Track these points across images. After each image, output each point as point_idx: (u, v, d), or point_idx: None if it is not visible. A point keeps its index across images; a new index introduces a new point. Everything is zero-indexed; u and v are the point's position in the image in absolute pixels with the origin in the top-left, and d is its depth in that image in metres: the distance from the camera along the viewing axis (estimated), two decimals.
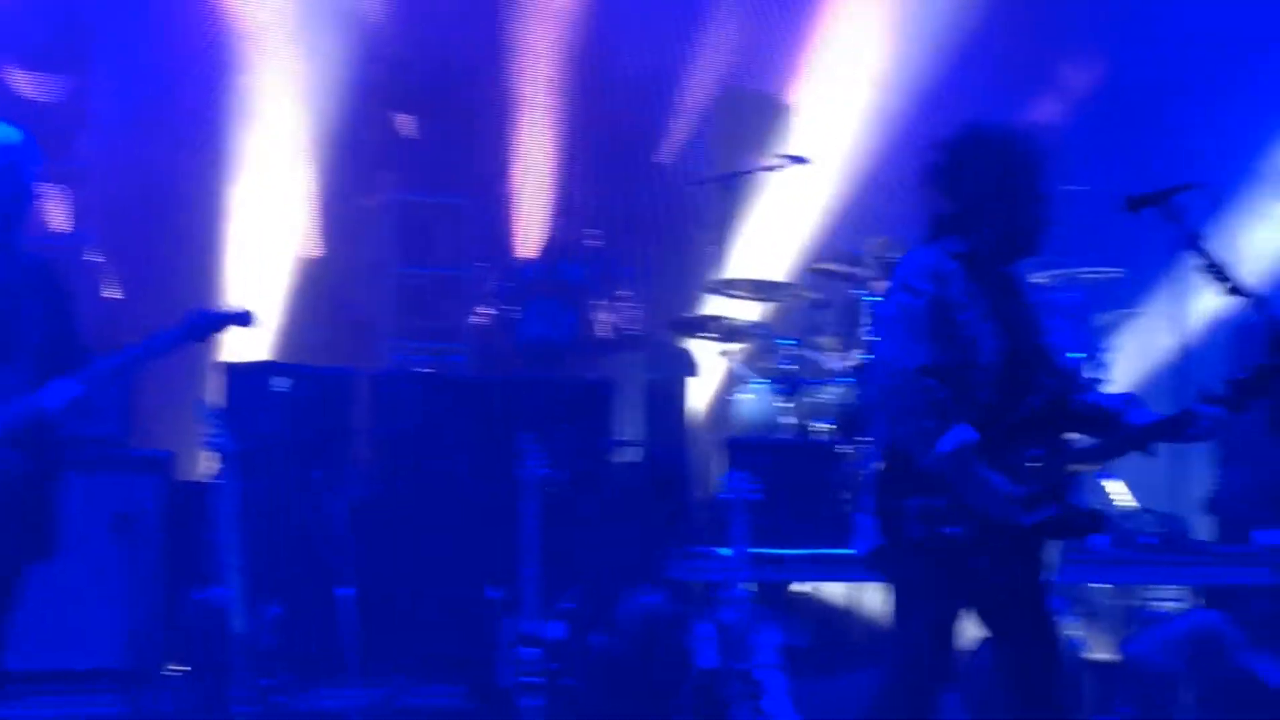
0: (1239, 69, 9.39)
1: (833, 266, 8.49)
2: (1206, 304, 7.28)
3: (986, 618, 4.23)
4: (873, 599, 7.76)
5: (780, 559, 6.55)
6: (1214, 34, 9.35)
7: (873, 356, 4.23)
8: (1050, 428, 4.13)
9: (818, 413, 7.89)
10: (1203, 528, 7.95)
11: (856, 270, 8.07)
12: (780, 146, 9.18)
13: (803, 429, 7.87)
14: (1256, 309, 4.01)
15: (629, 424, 8.04)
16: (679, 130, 10.18)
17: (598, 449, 7.25)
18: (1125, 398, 4.30)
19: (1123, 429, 4.13)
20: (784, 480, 6.75)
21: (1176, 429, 4.01)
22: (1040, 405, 4.11)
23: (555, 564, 6.04)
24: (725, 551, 6.16)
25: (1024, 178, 4.16)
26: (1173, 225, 4.14)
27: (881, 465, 4.14)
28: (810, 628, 7.60)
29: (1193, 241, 4.10)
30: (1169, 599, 7.13)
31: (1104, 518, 4.29)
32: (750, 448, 6.99)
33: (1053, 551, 4.25)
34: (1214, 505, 7.89)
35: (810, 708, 5.88)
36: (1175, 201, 4.17)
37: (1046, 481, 4.07)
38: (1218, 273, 4.05)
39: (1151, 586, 7.16)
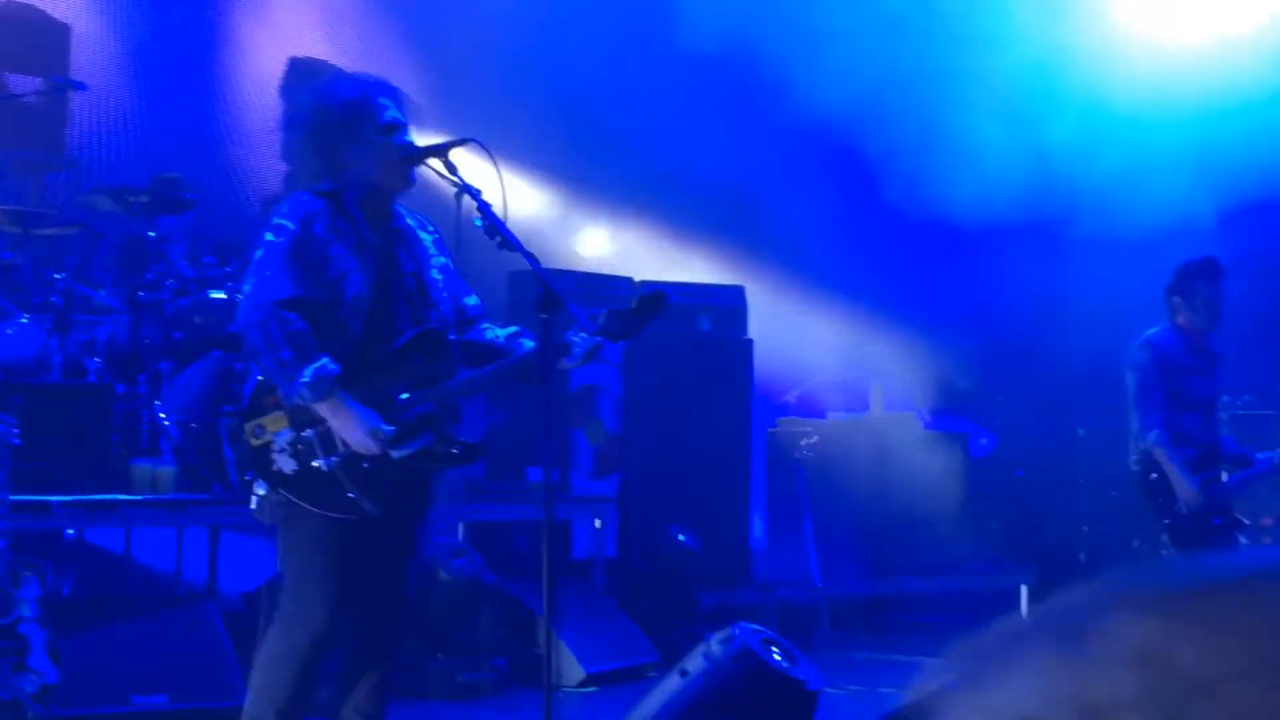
0: None
1: (106, 198, 8.11)
2: None
3: (363, 549, 4.21)
4: (147, 545, 7.57)
5: (47, 506, 6.20)
6: None
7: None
8: (427, 359, 4.26)
9: (89, 351, 7.52)
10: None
11: (134, 203, 7.76)
12: (57, 69, 8.68)
13: (72, 368, 7.47)
14: (531, 262, 4.20)
15: None
16: None
17: None
18: (516, 331, 4.48)
19: (500, 359, 4.35)
20: (50, 423, 6.39)
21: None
22: (414, 337, 4.25)
23: None
24: None
25: (353, 120, 4.29)
26: (456, 177, 4.27)
27: (249, 404, 4.23)
28: (80, 577, 7.30)
29: (470, 193, 4.24)
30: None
31: (479, 449, 4.49)
32: (11, 388, 6.53)
33: (435, 482, 4.40)
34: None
35: (76, 661, 5.63)
36: (454, 156, 4.30)
37: (418, 412, 4.20)
38: (491, 226, 4.22)
39: None
